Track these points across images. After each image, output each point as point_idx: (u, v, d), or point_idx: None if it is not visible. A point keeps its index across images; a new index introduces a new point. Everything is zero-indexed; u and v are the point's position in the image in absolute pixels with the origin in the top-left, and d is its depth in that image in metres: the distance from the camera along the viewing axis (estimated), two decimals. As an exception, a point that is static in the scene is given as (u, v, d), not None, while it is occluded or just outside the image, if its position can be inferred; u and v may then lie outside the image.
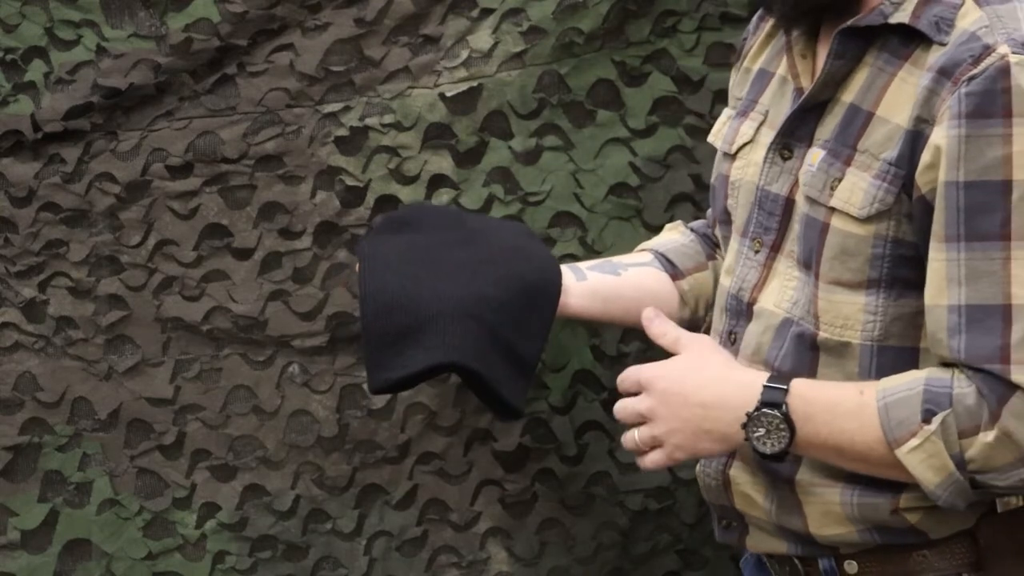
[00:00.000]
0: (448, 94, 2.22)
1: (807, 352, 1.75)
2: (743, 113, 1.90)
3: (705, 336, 1.88)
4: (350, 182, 2.21)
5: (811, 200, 1.74)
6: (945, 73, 1.63)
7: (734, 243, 1.87)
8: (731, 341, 1.85)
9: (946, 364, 1.66)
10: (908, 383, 1.65)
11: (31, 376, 2.19)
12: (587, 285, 1.99)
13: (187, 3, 2.16)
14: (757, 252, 1.82)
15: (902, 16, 1.69)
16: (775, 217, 1.80)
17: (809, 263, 1.74)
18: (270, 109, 2.20)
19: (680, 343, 1.83)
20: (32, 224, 2.17)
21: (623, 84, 2.26)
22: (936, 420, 1.62)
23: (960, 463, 1.63)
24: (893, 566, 1.75)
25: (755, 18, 1.99)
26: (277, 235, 2.21)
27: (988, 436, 1.61)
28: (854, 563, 1.77)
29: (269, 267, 2.22)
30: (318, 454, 2.24)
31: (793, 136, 1.78)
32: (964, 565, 1.73)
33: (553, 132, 2.25)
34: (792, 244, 1.78)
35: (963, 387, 1.62)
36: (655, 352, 2.24)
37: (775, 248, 1.80)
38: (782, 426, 1.69)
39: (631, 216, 2.27)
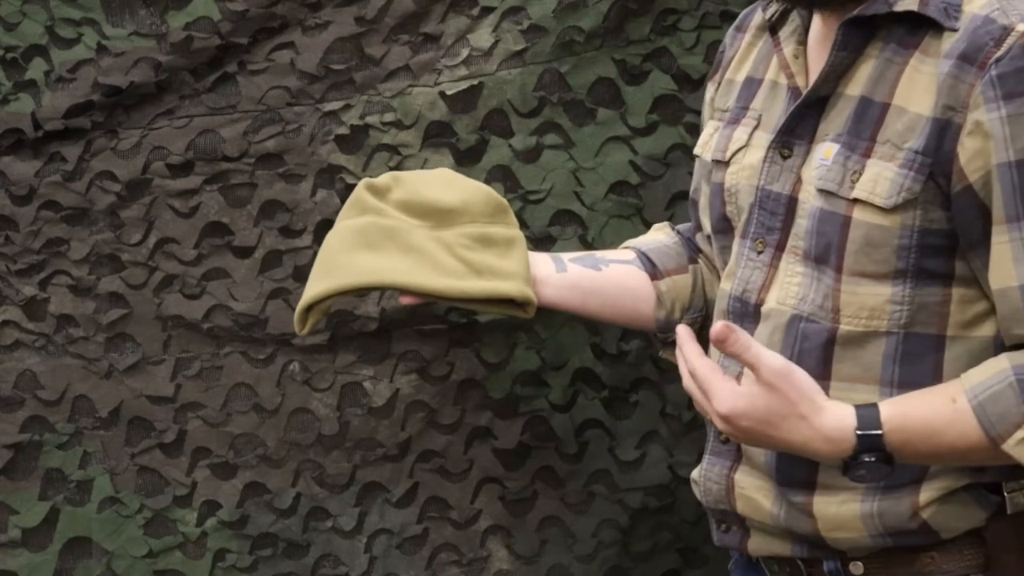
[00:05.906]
0: (448, 92, 2.22)
1: (820, 349, 1.73)
2: (734, 121, 1.90)
3: (787, 364, 1.68)
4: (351, 180, 2.21)
5: (827, 194, 1.73)
6: (967, 59, 1.64)
7: (735, 246, 1.86)
8: None
9: (1020, 345, 1.65)
10: (995, 375, 1.64)
11: (32, 374, 2.19)
12: (566, 277, 2.00)
13: (188, 1, 2.16)
14: (760, 253, 1.81)
15: (909, 3, 1.69)
16: (778, 216, 1.79)
17: (825, 258, 1.73)
18: (271, 107, 2.20)
19: (762, 366, 1.66)
20: (33, 222, 2.17)
21: (623, 82, 2.26)
22: None
23: None
24: (900, 567, 1.74)
25: (730, 31, 2.00)
26: (278, 233, 2.21)
27: None
28: (860, 564, 1.76)
29: (270, 265, 2.22)
30: (318, 452, 2.24)
31: (793, 134, 1.78)
32: (972, 567, 1.73)
33: (553, 130, 2.25)
34: (796, 240, 1.77)
35: None
36: (656, 351, 2.25)
37: (780, 248, 1.79)
38: (882, 465, 1.66)
39: (631, 214, 2.27)
